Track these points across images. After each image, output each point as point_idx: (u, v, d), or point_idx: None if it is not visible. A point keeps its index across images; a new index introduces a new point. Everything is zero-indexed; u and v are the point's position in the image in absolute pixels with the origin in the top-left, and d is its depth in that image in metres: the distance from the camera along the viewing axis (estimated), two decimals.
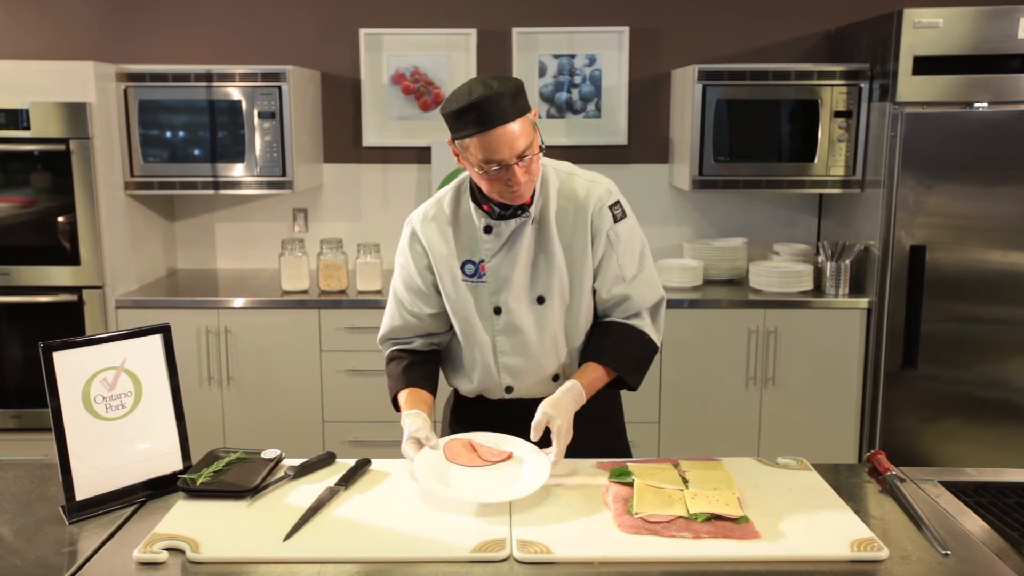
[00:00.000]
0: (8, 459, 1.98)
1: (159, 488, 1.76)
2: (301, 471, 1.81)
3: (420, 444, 1.81)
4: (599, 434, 2.03)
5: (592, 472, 1.82)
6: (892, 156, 3.34)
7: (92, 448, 1.68)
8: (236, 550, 1.50)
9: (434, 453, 1.79)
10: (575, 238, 1.92)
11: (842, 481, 1.82)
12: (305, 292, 3.59)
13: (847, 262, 3.53)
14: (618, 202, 1.94)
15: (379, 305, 3.49)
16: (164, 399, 1.80)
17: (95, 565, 1.49)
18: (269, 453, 1.86)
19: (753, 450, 3.55)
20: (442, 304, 2.00)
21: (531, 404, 1.91)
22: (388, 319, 2.07)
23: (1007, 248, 3.34)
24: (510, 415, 1.97)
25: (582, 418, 1.88)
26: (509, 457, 1.81)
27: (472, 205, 1.93)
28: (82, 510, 1.66)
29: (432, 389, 2.01)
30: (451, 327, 2.03)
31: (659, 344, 1.99)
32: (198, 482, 1.72)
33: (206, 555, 1.48)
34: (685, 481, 1.73)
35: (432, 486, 1.67)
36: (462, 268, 1.94)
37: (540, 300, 1.92)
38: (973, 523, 1.65)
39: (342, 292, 3.59)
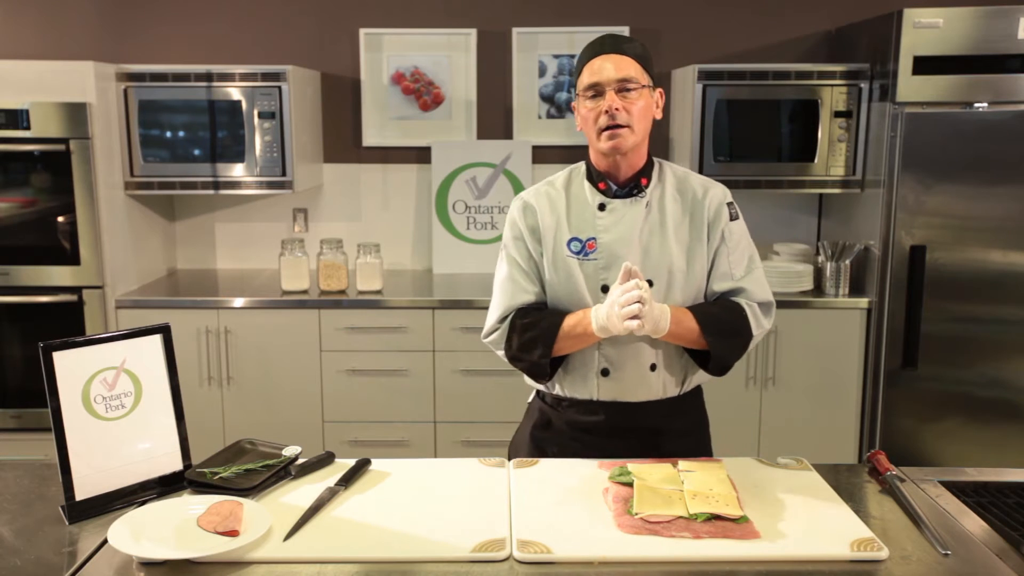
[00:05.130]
0: (8, 459, 1.98)
1: (159, 488, 1.76)
2: (301, 471, 1.82)
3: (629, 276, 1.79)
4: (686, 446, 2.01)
5: (592, 472, 1.82)
6: (892, 156, 3.34)
7: (92, 448, 1.68)
8: (237, 550, 1.50)
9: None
10: (690, 229, 1.95)
11: (842, 481, 1.82)
12: (305, 292, 3.59)
13: (847, 262, 3.53)
14: (732, 202, 1.99)
15: (379, 305, 3.49)
16: (164, 399, 1.80)
17: (95, 565, 1.49)
18: (290, 451, 1.86)
19: (753, 450, 3.55)
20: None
21: (624, 412, 1.94)
22: (501, 300, 2.00)
23: (1007, 248, 3.34)
24: (598, 427, 1.97)
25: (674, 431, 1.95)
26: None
27: (587, 185, 1.98)
28: (82, 510, 1.65)
29: None
30: None
31: (754, 335, 1.94)
32: (218, 476, 1.74)
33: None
34: (684, 481, 1.73)
35: None
36: (568, 244, 1.96)
37: (648, 283, 1.88)
38: (973, 523, 1.64)
39: (342, 292, 3.59)
